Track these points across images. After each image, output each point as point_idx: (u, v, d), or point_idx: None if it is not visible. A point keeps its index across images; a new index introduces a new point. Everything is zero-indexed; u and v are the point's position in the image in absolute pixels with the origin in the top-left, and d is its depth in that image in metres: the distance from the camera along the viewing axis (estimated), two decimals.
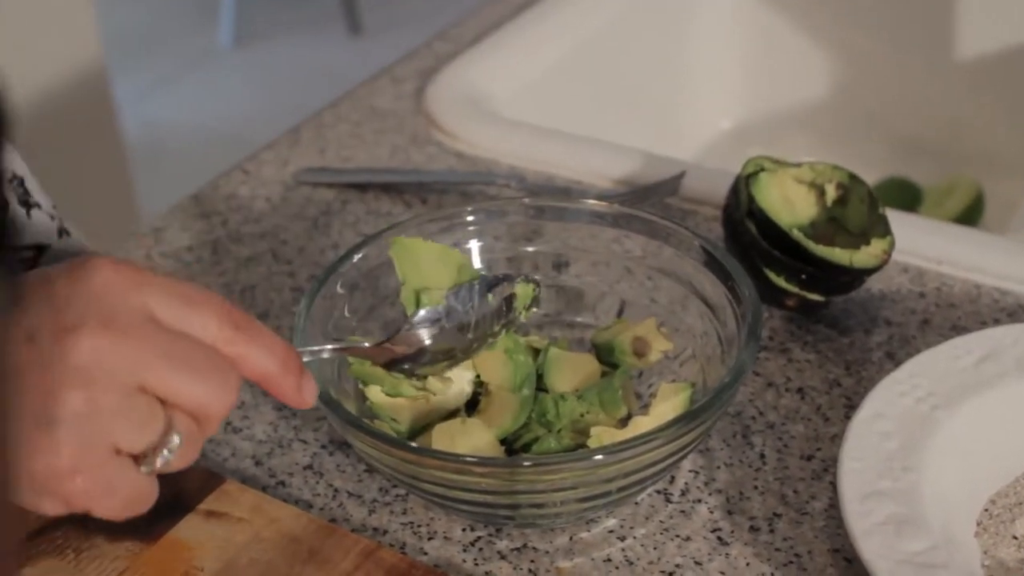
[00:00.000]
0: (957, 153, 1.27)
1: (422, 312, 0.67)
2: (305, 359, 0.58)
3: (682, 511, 0.67)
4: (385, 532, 0.66)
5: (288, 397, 0.56)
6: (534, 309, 0.70)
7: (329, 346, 0.65)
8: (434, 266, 0.69)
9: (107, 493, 0.52)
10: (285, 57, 3.14)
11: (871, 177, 1.23)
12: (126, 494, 0.52)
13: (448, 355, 0.67)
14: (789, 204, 0.78)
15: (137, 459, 0.52)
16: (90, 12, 1.69)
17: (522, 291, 0.69)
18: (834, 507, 0.66)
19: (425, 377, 0.67)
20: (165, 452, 0.52)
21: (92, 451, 0.51)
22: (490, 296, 0.68)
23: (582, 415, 0.67)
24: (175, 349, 0.51)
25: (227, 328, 0.53)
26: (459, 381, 0.68)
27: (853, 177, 0.79)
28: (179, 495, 0.66)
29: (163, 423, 0.52)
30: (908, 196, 1.24)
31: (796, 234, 0.75)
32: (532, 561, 0.64)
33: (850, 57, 1.33)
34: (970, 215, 1.20)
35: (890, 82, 1.31)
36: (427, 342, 0.66)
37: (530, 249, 0.76)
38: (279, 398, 0.57)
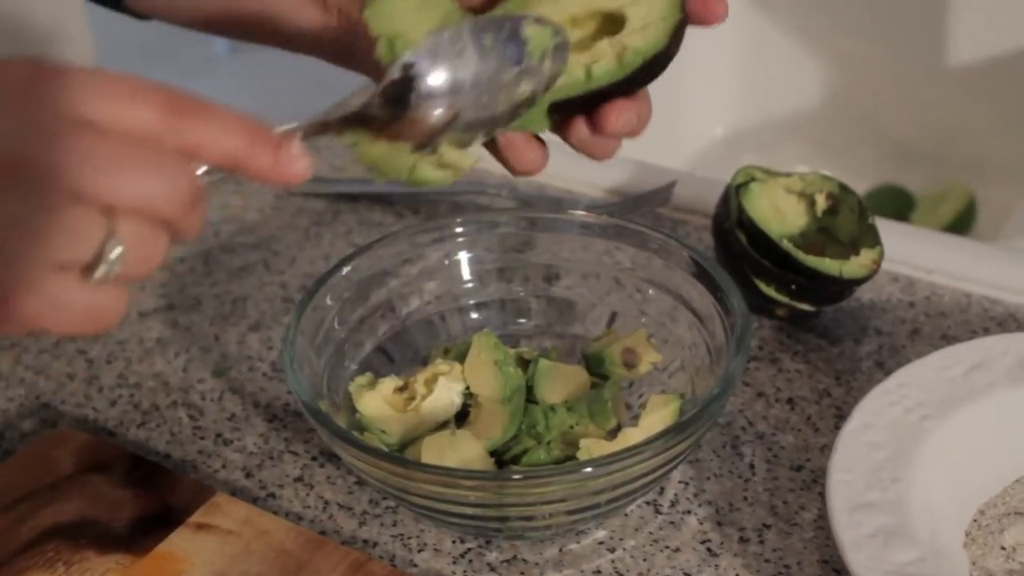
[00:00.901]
0: (950, 160, 1.27)
1: (404, 57, 0.56)
2: (281, 132, 0.52)
3: (672, 522, 0.67)
4: (375, 544, 0.66)
5: (268, 173, 0.51)
6: (556, 62, 0.59)
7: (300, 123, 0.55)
8: (414, 15, 0.59)
9: (57, 311, 0.47)
10: (281, 64, 3.12)
11: (864, 184, 1.24)
12: (80, 310, 0.48)
13: (459, 118, 0.57)
14: (779, 214, 0.78)
15: (87, 269, 0.48)
16: (84, 20, 1.68)
17: (535, 33, 0.59)
18: (823, 518, 0.66)
19: (437, 151, 0.59)
20: (105, 263, 0.47)
21: (26, 269, 0.46)
22: (487, 39, 0.57)
23: (572, 427, 0.67)
24: (103, 150, 0.46)
25: (169, 117, 0.48)
26: (449, 392, 0.68)
27: (843, 187, 0.79)
28: (169, 507, 0.66)
29: (101, 231, 0.47)
30: (901, 203, 1.24)
31: (786, 244, 0.76)
32: (522, 573, 0.64)
33: (844, 65, 1.33)
34: (963, 222, 1.21)
35: (883, 90, 1.31)
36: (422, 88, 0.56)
37: (521, 260, 0.76)
38: (260, 179, 0.51)
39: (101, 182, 0.46)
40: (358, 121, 0.57)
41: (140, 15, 0.81)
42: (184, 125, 0.48)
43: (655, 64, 0.61)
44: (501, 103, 0.58)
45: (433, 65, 0.57)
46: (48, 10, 1.59)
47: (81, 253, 0.47)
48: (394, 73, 0.56)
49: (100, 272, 0.48)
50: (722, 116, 1.35)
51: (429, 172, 0.59)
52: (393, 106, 0.57)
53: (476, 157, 0.59)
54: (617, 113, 0.61)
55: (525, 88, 0.59)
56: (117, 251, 0.47)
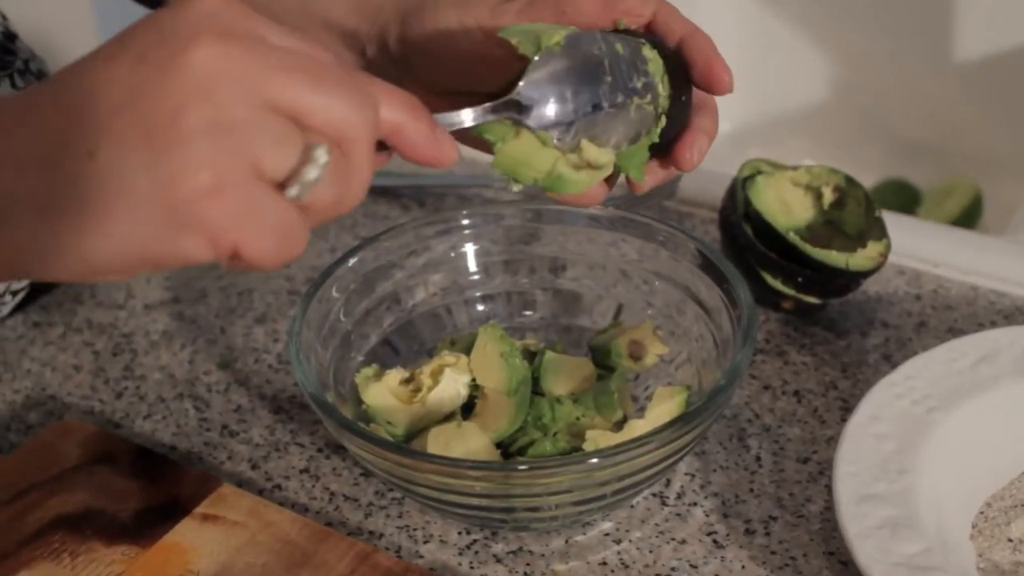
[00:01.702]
0: (956, 155, 1.27)
1: (540, 56, 0.56)
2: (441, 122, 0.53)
3: (678, 514, 0.67)
4: (381, 535, 0.66)
5: (425, 144, 0.51)
6: (666, 90, 0.59)
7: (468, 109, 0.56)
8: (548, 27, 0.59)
9: (253, 220, 0.46)
10: None
11: (870, 179, 1.24)
12: (274, 225, 0.47)
13: (593, 110, 0.57)
14: (786, 207, 0.78)
15: (281, 188, 0.47)
16: (91, 16, 1.69)
17: (651, 56, 0.59)
18: (830, 510, 0.66)
19: (579, 150, 0.58)
20: (310, 169, 0.47)
21: (232, 168, 0.45)
22: (619, 46, 0.57)
23: (578, 419, 0.67)
24: (301, 63, 0.47)
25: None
26: (455, 384, 0.68)
27: (850, 180, 0.79)
28: (175, 498, 0.66)
29: (302, 141, 0.47)
30: (907, 198, 1.24)
31: (792, 237, 0.75)
32: (528, 564, 0.64)
33: (849, 60, 1.33)
34: (969, 217, 1.20)
35: (889, 84, 1.31)
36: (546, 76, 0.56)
37: (527, 252, 0.76)
38: (414, 155, 0.51)
39: (295, 90, 0.46)
40: (501, 111, 0.56)
41: None
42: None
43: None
44: (632, 110, 0.58)
45: (550, 89, 0.56)
46: (54, 9, 1.59)
47: (280, 160, 0.47)
48: (508, 109, 0.56)
49: (306, 175, 0.47)
50: (728, 112, 1.34)
51: (570, 173, 0.58)
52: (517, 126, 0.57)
53: (614, 158, 0.58)
54: (689, 148, 0.60)
55: (648, 105, 0.58)
56: (322, 157, 0.47)
